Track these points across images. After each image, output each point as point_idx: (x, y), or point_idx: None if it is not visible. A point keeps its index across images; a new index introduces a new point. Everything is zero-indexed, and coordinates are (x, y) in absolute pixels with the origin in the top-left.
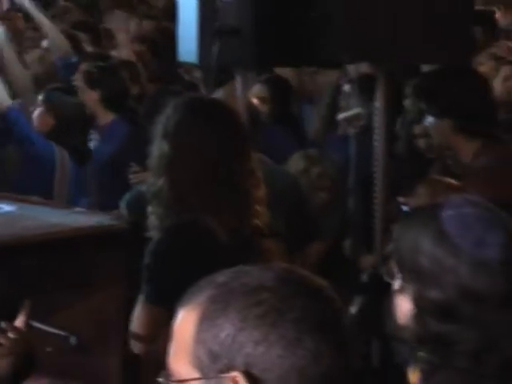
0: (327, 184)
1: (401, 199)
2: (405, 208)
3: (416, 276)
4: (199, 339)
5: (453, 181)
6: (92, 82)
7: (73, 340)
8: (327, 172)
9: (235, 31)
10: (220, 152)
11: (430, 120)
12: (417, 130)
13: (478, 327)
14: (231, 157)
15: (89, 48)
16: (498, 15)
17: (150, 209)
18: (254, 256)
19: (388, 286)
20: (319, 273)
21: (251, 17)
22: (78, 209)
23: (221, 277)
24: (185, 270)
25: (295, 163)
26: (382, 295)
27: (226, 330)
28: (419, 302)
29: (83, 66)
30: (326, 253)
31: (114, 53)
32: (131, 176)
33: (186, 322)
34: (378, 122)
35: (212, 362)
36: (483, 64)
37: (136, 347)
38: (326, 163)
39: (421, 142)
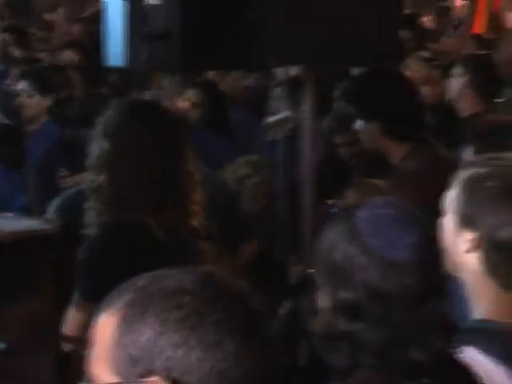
0: (266, 190)
1: (330, 201)
2: (334, 210)
3: (331, 273)
4: (119, 344)
5: (381, 183)
6: (45, 88)
7: (1, 346)
8: (267, 179)
9: (164, 35)
10: (155, 152)
11: (359, 123)
12: (339, 139)
13: (386, 327)
14: (166, 157)
15: (16, 51)
16: (426, 20)
17: (88, 205)
18: (190, 257)
19: (315, 285)
20: (252, 276)
21: (179, 20)
22: (5, 214)
23: (140, 281)
24: (121, 268)
25: (237, 169)
26: (309, 295)
27: (146, 334)
28: (332, 300)
29: (33, 72)
30: (259, 256)
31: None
32: (60, 181)
33: (106, 326)
34: (306, 125)
35: (132, 367)
36: (412, 67)
37: (68, 346)
38: (266, 170)
39: (343, 151)
